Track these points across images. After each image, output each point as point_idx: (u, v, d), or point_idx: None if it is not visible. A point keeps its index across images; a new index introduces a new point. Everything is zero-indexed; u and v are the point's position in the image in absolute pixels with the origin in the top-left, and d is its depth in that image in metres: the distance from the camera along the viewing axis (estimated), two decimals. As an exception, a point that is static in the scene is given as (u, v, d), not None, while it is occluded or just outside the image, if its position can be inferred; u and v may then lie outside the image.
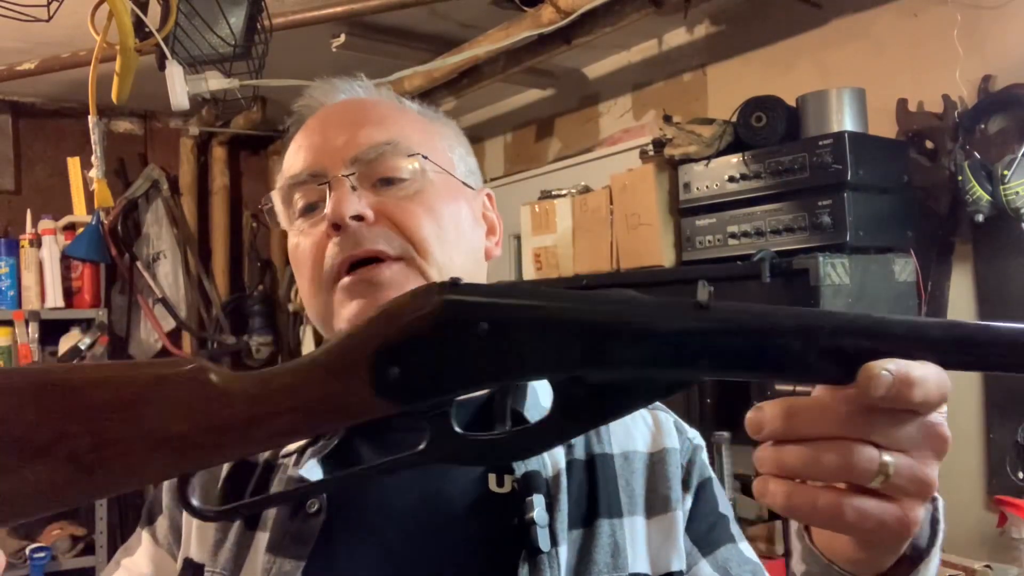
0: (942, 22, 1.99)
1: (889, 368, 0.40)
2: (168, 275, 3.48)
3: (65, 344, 3.07)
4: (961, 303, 1.97)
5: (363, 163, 0.70)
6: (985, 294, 1.94)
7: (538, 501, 0.64)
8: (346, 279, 0.68)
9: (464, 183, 0.76)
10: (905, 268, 1.88)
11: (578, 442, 0.70)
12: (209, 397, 0.42)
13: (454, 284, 0.43)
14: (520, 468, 0.65)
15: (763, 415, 0.42)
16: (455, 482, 0.67)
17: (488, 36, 2.36)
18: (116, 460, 0.41)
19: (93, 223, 3.14)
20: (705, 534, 0.70)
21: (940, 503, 0.48)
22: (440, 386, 0.42)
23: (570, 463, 0.68)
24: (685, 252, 2.08)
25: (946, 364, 0.44)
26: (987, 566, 1.71)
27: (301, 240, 0.72)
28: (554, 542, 0.63)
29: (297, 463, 0.68)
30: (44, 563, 2.82)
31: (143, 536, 0.75)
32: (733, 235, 1.96)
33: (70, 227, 3.19)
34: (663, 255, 2.11)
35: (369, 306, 0.66)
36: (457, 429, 0.43)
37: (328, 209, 0.68)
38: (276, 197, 0.76)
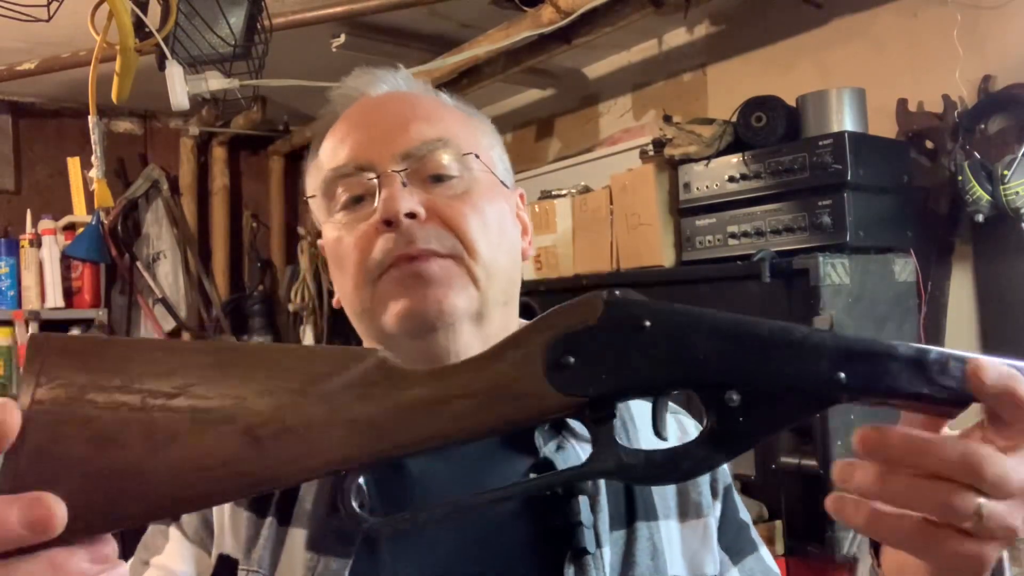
0: (942, 22, 1.99)
1: (999, 365, 0.43)
2: (168, 275, 3.47)
3: (65, 344, 3.07)
4: (961, 303, 1.97)
5: (414, 159, 0.70)
6: (985, 294, 1.94)
7: (583, 502, 0.64)
8: (394, 271, 0.67)
9: (502, 182, 0.76)
10: (905, 268, 1.88)
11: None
12: (393, 378, 0.42)
13: (614, 290, 0.45)
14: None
15: (887, 438, 0.44)
16: (499, 482, 0.66)
17: (488, 36, 2.36)
18: (290, 436, 0.40)
19: (93, 223, 3.14)
20: (733, 542, 0.72)
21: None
22: (609, 381, 0.43)
23: None
24: (685, 252, 2.07)
25: None
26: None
27: (344, 234, 0.71)
28: (599, 543, 0.64)
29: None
30: (44, 563, 2.82)
31: (171, 532, 0.71)
32: (733, 235, 1.96)
33: (70, 227, 3.19)
34: (663, 255, 2.10)
35: (419, 300, 0.66)
36: (621, 440, 0.44)
37: (381, 205, 0.67)
38: (315, 187, 0.75)
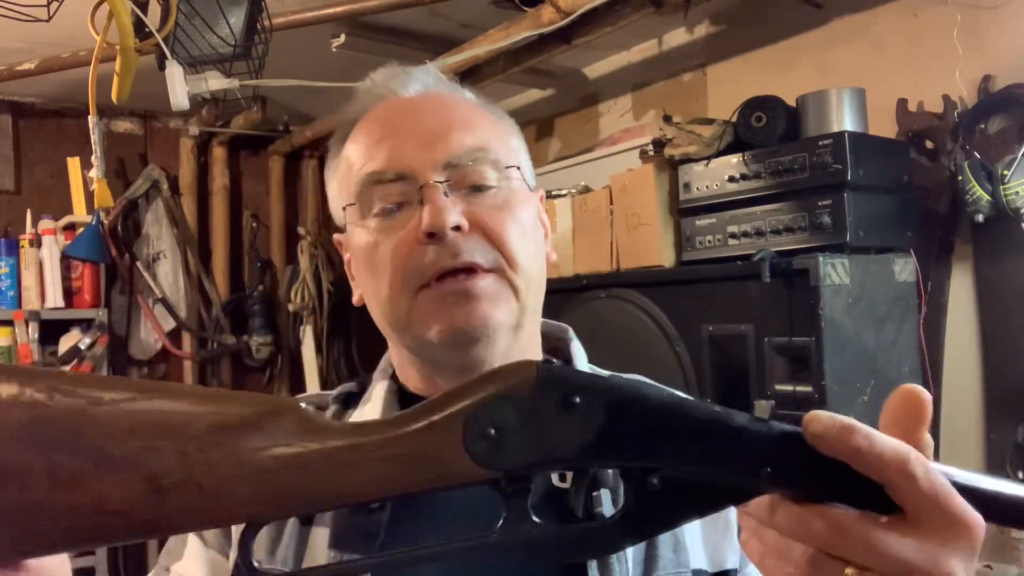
0: (942, 22, 1.99)
1: (831, 415, 0.42)
2: (168, 275, 3.48)
3: (65, 344, 3.07)
4: (961, 303, 1.98)
5: (456, 169, 0.69)
6: (985, 294, 1.94)
7: (605, 496, 0.64)
8: (437, 288, 0.67)
9: (529, 186, 0.76)
10: (905, 268, 1.88)
11: (607, 499, 0.69)
12: (308, 431, 0.41)
13: (549, 360, 0.44)
14: None
15: (754, 507, 0.44)
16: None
17: (488, 36, 2.36)
18: (195, 489, 0.38)
19: (93, 223, 3.14)
20: None
21: None
22: (529, 456, 0.42)
23: None
24: (685, 252, 2.08)
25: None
26: (987, 566, 1.71)
27: (381, 240, 0.70)
28: None
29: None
30: (44, 563, 2.82)
31: (189, 539, 0.72)
32: (733, 235, 1.96)
33: (70, 227, 3.19)
34: (663, 255, 2.11)
35: (464, 317, 0.66)
36: (533, 516, 0.43)
37: (426, 217, 0.66)
38: (344, 191, 0.73)
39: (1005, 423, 1.86)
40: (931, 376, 1.92)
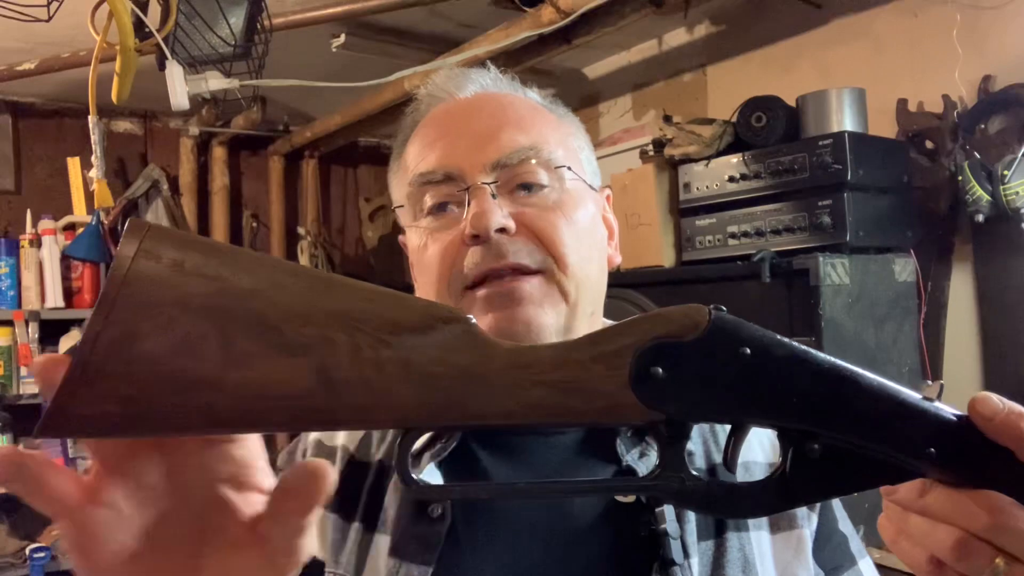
0: (942, 22, 1.99)
1: (1001, 399, 0.41)
2: (168, 275, 3.47)
3: (65, 344, 3.07)
4: (961, 303, 1.98)
5: (505, 169, 0.68)
6: (985, 294, 1.94)
7: (668, 511, 0.63)
8: (483, 290, 0.66)
9: (590, 186, 0.74)
10: (905, 268, 1.88)
11: (697, 450, 0.69)
12: (477, 346, 0.40)
13: (721, 308, 0.42)
14: None
15: (902, 489, 0.44)
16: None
17: (488, 36, 2.36)
18: (363, 385, 0.38)
19: (93, 223, 3.14)
20: (830, 556, 0.69)
21: None
22: (693, 403, 0.41)
23: None
24: (685, 252, 2.08)
25: None
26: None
27: (429, 241, 0.69)
28: (686, 554, 0.62)
29: (415, 466, 0.66)
30: (44, 563, 2.82)
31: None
32: (733, 235, 1.96)
33: (70, 227, 3.18)
34: (663, 255, 2.10)
35: (508, 319, 0.65)
36: (691, 468, 0.42)
37: (470, 219, 0.65)
38: (400, 193, 0.73)
39: (1005, 423, 1.86)
40: (931, 376, 1.92)
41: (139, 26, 1.48)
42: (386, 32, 2.60)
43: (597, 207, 0.74)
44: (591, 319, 0.71)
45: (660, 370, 0.40)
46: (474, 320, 0.40)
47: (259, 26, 1.71)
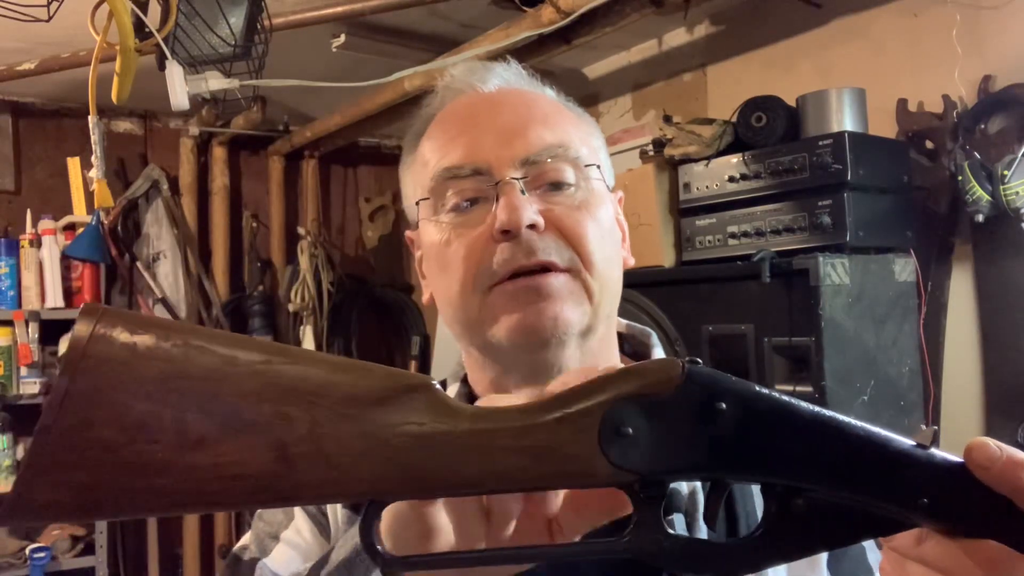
0: (942, 22, 1.99)
1: (998, 445, 0.39)
2: (168, 275, 3.48)
3: (65, 344, 3.07)
4: (961, 303, 1.98)
5: (534, 165, 0.67)
6: (985, 294, 1.94)
7: (678, 520, 0.62)
8: (509, 285, 0.65)
9: (608, 186, 0.73)
10: (905, 268, 1.88)
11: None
12: (439, 412, 0.39)
13: (695, 360, 0.41)
14: None
15: (900, 538, 0.43)
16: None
17: (488, 36, 2.36)
18: (322, 460, 0.37)
19: (93, 223, 3.14)
20: (847, 570, 0.67)
21: None
22: (668, 462, 0.39)
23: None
24: (685, 252, 2.08)
25: None
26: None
27: (452, 237, 0.68)
28: None
29: None
30: (44, 563, 2.82)
31: (295, 510, 0.70)
32: (733, 235, 1.96)
33: (70, 227, 3.19)
34: (663, 255, 2.10)
35: (536, 314, 0.64)
36: (668, 527, 0.40)
37: (501, 214, 0.64)
38: (418, 186, 0.71)
39: (1005, 423, 1.86)
40: (931, 376, 1.92)
41: (139, 26, 1.48)
42: (386, 32, 2.60)
43: (614, 208, 0.74)
44: (608, 321, 0.71)
45: (630, 430, 0.39)
46: (437, 385, 0.40)
47: (259, 26, 1.71)
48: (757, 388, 0.40)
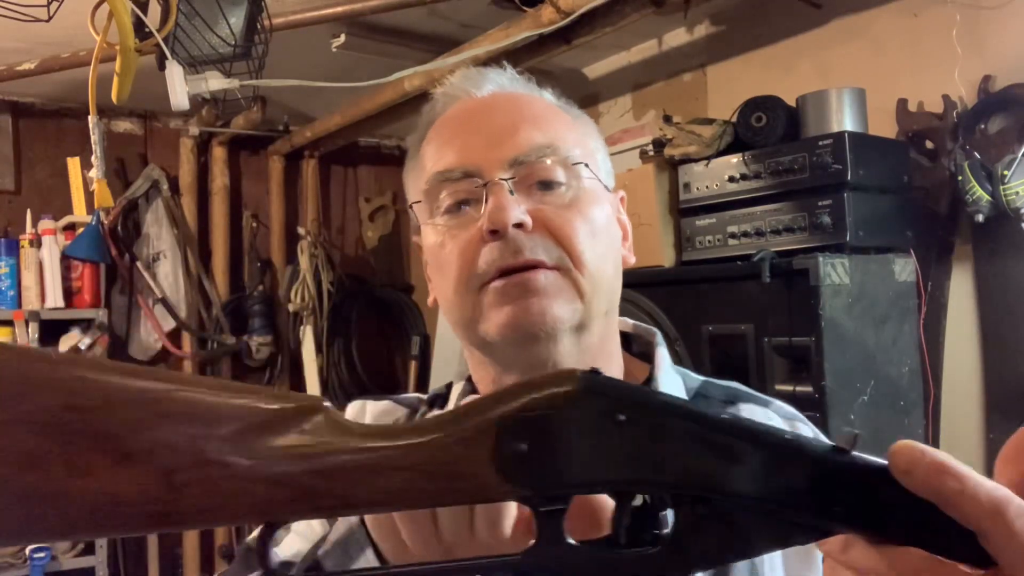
0: (942, 22, 1.99)
1: (921, 449, 0.37)
2: (168, 275, 3.48)
3: (65, 344, 3.07)
4: (961, 303, 1.98)
5: (523, 166, 0.68)
6: (985, 294, 1.94)
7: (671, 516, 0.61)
8: (498, 282, 0.66)
9: (605, 186, 0.74)
10: (905, 268, 1.88)
11: None
12: (329, 433, 0.39)
13: (595, 371, 0.40)
14: None
15: (829, 542, 0.41)
16: None
17: (488, 36, 2.36)
18: (210, 486, 0.37)
19: (93, 223, 3.14)
20: None
21: None
22: (566, 474, 0.38)
23: None
24: (685, 252, 2.08)
25: None
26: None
27: (446, 239, 0.69)
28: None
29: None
30: (44, 563, 2.82)
31: None
32: (733, 235, 1.96)
33: (70, 227, 3.19)
34: (663, 255, 2.10)
35: (523, 310, 0.65)
36: (569, 538, 0.39)
37: (487, 214, 0.66)
38: (417, 191, 0.73)
39: (1005, 423, 1.86)
40: (931, 376, 1.92)
41: (139, 26, 1.48)
42: (386, 32, 2.60)
43: (612, 207, 0.74)
44: (606, 318, 0.71)
45: (525, 446, 0.38)
46: (329, 406, 0.40)
47: (259, 26, 1.71)
48: (660, 397, 0.40)
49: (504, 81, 0.76)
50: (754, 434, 0.39)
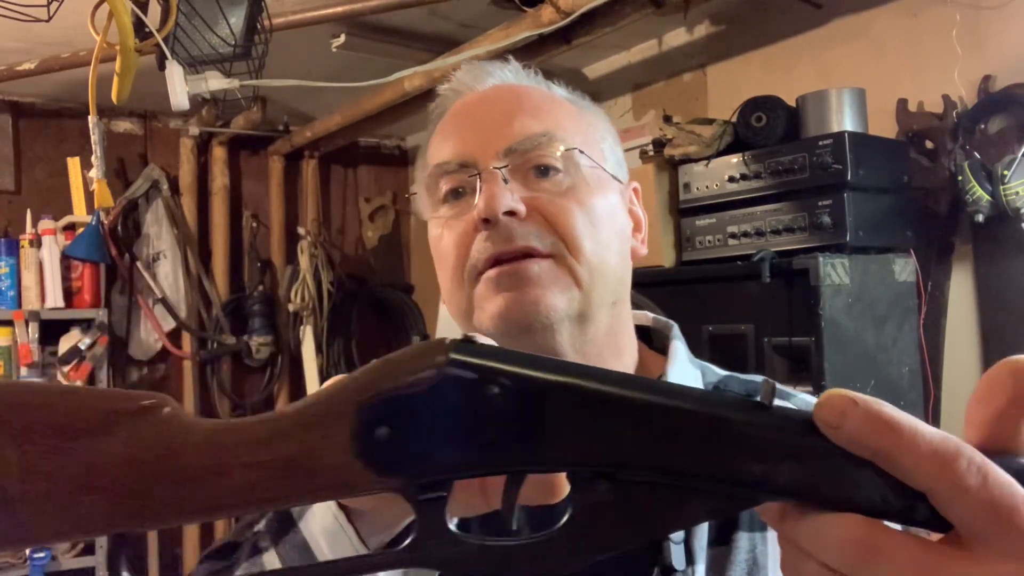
0: (942, 22, 1.99)
1: (851, 397, 0.32)
2: (168, 275, 3.48)
3: (65, 344, 3.07)
4: (961, 303, 1.98)
5: (517, 154, 0.67)
6: (985, 294, 1.94)
7: (676, 551, 0.60)
8: (491, 272, 0.65)
9: (613, 176, 0.72)
10: (905, 268, 1.88)
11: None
12: (167, 435, 0.35)
13: (468, 339, 0.35)
14: None
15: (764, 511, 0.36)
16: None
17: (488, 36, 2.36)
18: (42, 498, 0.34)
19: (93, 223, 3.14)
20: None
21: None
22: (438, 460, 0.34)
23: None
24: (685, 252, 2.08)
25: None
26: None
27: (445, 232, 0.69)
28: (690, 560, 0.60)
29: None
30: (44, 563, 2.82)
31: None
32: (733, 235, 1.96)
33: (70, 227, 3.19)
34: (663, 255, 2.10)
35: (516, 300, 0.64)
36: (451, 527, 0.35)
37: (480, 203, 0.64)
38: (419, 185, 0.74)
39: (1005, 423, 1.86)
40: (931, 376, 1.92)
41: (139, 26, 1.48)
42: (386, 32, 2.60)
43: (621, 198, 0.73)
44: (613, 309, 0.69)
45: (388, 428, 0.34)
46: (170, 406, 0.36)
47: (259, 26, 1.71)
48: (543, 363, 0.35)
49: (506, 75, 0.75)
50: (655, 396, 0.34)
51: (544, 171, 0.67)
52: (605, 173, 0.71)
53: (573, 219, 0.66)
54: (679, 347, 0.75)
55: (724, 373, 0.77)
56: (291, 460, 0.34)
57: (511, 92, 0.73)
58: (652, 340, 0.78)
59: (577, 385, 0.34)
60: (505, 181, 0.66)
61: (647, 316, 0.79)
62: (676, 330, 0.77)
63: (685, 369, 0.73)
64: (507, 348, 0.36)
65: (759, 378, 0.75)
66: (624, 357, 0.72)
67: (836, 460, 0.32)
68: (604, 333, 0.68)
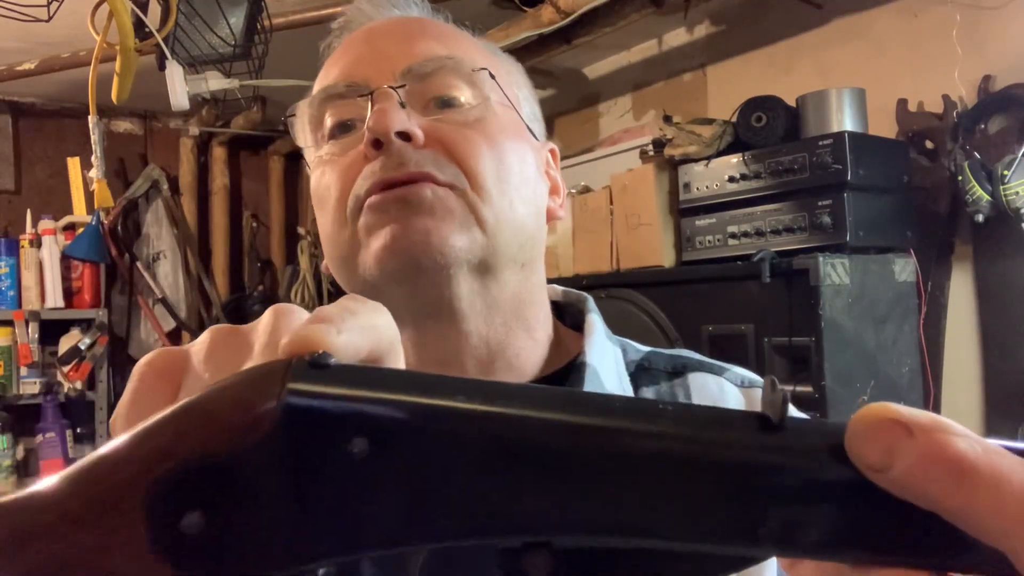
0: (942, 22, 1.99)
1: (903, 421, 0.22)
2: (168, 275, 3.48)
3: (65, 344, 3.07)
4: (961, 303, 1.97)
5: (417, 76, 0.57)
6: (985, 294, 1.94)
7: None
8: (375, 197, 0.54)
9: (529, 128, 0.64)
10: (905, 268, 1.88)
11: None
12: None
13: (316, 365, 0.23)
14: None
15: None
16: None
17: (488, 36, 2.36)
18: None
19: (93, 223, 3.14)
20: None
21: None
22: (277, 552, 0.23)
23: None
24: (685, 252, 2.08)
25: None
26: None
27: (328, 168, 0.58)
28: None
29: None
30: (44, 563, 2.82)
31: None
32: (733, 235, 1.96)
33: (70, 227, 3.19)
34: (663, 255, 2.10)
35: (402, 230, 0.53)
36: None
37: (369, 122, 0.53)
38: (302, 113, 0.63)
39: (1005, 423, 1.86)
40: (931, 376, 1.92)
41: (139, 26, 1.48)
42: (386, 32, 2.60)
43: (537, 154, 0.64)
44: (522, 273, 0.59)
45: (199, 515, 0.22)
46: None
47: (259, 26, 1.71)
48: (432, 387, 0.24)
49: (411, 7, 0.66)
50: (606, 419, 0.23)
51: (448, 102, 0.58)
52: (519, 117, 0.62)
53: (478, 152, 0.56)
54: (596, 321, 0.64)
55: (647, 349, 0.67)
56: (58, 567, 0.22)
57: (415, 20, 0.64)
58: (564, 316, 0.68)
59: (489, 413, 0.23)
60: (402, 105, 0.55)
61: (556, 290, 0.69)
62: (591, 303, 0.67)
63: (604, 346, 0.63)
64: (375, 367, 0.26)
65: (685, 352, 0.66)
66: (536, 332, 0.61)
67: (879, 506, 0.22)
68: (511, 298, 0.58)
